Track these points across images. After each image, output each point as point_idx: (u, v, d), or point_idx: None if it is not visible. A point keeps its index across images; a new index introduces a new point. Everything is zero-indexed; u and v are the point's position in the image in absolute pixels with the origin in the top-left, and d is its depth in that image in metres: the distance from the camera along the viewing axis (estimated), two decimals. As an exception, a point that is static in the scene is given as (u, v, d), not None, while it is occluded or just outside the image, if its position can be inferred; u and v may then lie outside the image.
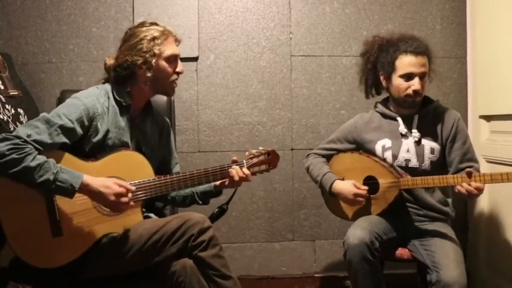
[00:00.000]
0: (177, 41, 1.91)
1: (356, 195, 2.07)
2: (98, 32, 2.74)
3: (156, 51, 1.81)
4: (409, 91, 2.05)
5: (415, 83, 2.04)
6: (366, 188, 2.10)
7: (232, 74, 2.80)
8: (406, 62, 2.04)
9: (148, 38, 1.81)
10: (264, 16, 2.80)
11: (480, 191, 1.87)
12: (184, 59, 2.71)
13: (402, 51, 2.05)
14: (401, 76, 2.05)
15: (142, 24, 1.86)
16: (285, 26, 2.81)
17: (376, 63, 2.16)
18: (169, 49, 1.85)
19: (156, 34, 1.82)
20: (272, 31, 2.81)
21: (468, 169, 1.90)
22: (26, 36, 2.71)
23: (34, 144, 1.60)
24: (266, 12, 2.80)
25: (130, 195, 1.68)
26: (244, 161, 1.95)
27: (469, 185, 1.87)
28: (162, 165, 2.01)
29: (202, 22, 2.77)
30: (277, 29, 2.81)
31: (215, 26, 2.78)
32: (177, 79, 1.91)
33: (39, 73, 2.72)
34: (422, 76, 2.05)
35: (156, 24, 1.87)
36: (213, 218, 1.97)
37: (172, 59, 1.87)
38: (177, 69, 1.89)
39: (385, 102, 2.24)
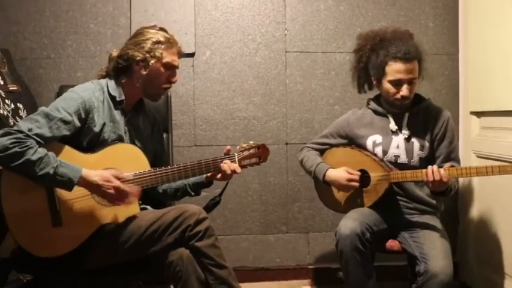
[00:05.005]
0: (180, 53, 1.97)
1: (349, 180, 2.12)
2: (95, 28, 2.77)
3: (157, 54, 1.87)
4: (398, 96, 2.09)
5: (404, 89, 2.07)
6: (359, 173, 2.14)
7: (228, 69, 2.84)
8: (395, 69, 2.06)
9: (154, 40, 1.87)
10: (259, 13, 2.84)
11: (439, 182, 1.92)
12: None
13: (391, 58, 2.06)
14: (390, 82, 2.08)
15: (153, 27, 1.94)
16: (280, 22, 2.85)
17: (367, 64, 2.20)
18: (169, 57, 1.91)
19: (162, 39, 1.89)
20: (267, 27, 2.85)
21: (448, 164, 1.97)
22: (24, 32, 2.74)
23: (35, 138, 1.65)
24: (261, 9, 2.84)
25: (126, 187, 1.75)
26: (236, 154, 2.00)
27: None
28: (154, 160, 2.05)
29: (198, 18, 2.81)
30: (272, 25, 2.85)
31: (211, 22, 2.82)
32: (169, 88, 1.97)
33: (38, 68, 2.75)
34: (410, 82, 2.08)
35: (165, 30, 1.93)
36: (207, 209, 2.02)
37: (170, 67, 1.92)
38: (172, 79, 1.95)
39: (377, 99, 2.28)
